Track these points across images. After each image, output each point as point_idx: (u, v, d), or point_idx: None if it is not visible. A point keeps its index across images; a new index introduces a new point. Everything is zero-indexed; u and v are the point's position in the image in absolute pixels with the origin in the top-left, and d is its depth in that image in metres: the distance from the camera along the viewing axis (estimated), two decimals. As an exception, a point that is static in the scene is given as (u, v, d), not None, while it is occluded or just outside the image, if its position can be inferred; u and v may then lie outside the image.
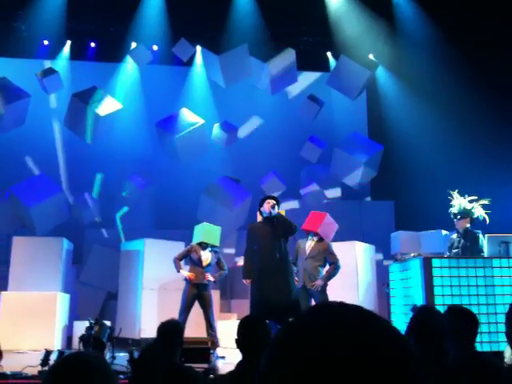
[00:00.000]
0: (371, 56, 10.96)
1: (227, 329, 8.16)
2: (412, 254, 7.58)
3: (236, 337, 2.75)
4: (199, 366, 5.07)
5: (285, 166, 10.91)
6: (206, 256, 7.11)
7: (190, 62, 11.15)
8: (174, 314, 6.40)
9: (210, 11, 10.48)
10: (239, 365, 2.74)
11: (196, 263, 7.06)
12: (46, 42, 11.28)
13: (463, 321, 2.81)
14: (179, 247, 8.91)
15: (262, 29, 10.55)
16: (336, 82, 9.43)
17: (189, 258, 7.20)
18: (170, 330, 3.53)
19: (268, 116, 11.38)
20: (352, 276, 8.26)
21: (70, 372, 1.21)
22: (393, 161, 10.26)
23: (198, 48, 11.22)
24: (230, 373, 2.77)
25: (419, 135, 10.57)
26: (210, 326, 6.81)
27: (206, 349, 5.60)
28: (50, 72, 9.41)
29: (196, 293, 6.95)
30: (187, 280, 6.99)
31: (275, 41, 10.40)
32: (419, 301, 6.29)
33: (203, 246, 7.19)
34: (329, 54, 11.80)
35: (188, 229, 10.21)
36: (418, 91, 10.79)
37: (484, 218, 7.18)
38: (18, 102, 9.13)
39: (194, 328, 7.25)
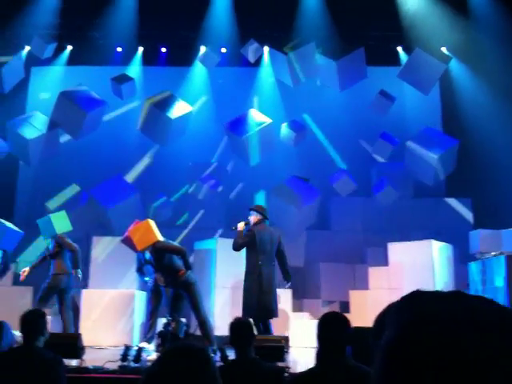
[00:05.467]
0: (444, 49, 10.58)
1: (299, 328, 8.13)
2: (493, 253, 7.24)
3: (316, 333, 2.75)
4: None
5: (355, 164, 10.72)
6: None
7: (257, 62, 11.20)
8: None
9: (277, 11, 10.47)
10: (317, 362, 2.72)
11: None
12: (119, 49, 11.70)
13: None
14: (250, 246, 8.94)
15: (330, 25, 10.42)
16: (409, 75, 9.15)
17: None
18: (239, 327, 3.64)
19: (337, 113, 11.22)
20: (428, 276, 7.99)
21: (180, 359, 1.27)
22: (469, 156, 9.83)
23: (266, 48, 11.26)
24: (307, 372, 2.75)
25: (497, 129, 10.09)
26: None
27: (280, 347, 5.58)
28: (126, 78, 9.69)
29: None
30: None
31: (343, 37, 10.25)
32: (502, 302, 5.99)
33: None
34: (399, 48, 11.48)
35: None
36: (494, 84, 10.29)
37: None
38: (96, 110, 9.51)
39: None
